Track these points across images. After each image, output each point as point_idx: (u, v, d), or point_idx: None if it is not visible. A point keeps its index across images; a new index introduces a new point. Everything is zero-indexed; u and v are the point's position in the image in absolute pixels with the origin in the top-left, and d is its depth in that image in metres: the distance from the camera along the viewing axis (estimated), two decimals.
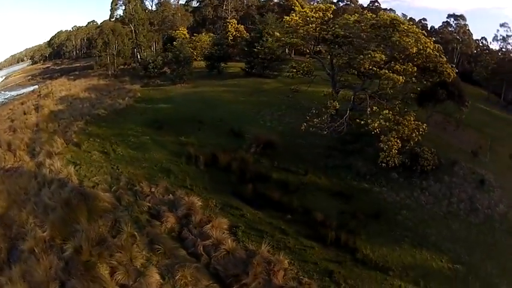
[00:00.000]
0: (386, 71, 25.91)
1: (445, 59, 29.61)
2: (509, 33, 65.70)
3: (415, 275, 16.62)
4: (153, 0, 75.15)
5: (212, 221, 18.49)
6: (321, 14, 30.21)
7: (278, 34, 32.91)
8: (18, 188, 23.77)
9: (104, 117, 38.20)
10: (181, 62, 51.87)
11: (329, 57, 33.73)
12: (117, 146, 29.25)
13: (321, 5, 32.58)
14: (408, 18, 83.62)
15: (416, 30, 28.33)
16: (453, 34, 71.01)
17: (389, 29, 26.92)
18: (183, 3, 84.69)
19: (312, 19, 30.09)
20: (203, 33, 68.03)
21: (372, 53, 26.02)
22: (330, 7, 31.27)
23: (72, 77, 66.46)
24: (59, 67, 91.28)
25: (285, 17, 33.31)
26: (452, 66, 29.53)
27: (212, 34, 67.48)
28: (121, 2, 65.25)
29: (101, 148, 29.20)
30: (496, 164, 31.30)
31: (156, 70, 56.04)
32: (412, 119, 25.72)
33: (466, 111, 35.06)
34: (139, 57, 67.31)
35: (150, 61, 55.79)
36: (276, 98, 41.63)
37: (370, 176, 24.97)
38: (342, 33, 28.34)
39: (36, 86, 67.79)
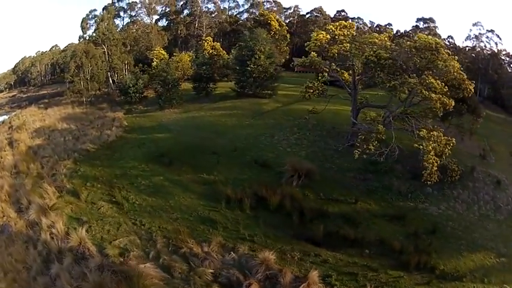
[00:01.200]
0: (441, 96, 24.70)
1: (465, 76, 28.28)
2: (482, 32, 67.38)
3: (479, 276, 17.88)
4: (124, 19, 68.82)
5: (307, 277, 15.48)
6: (346, 32, 28.78)
7: (314, 54, 29.42)
8: (13, 260, 17.49)
9: (95, 153, 31.70)
10: (169, 84, 46.28)
11: (349, 76, 31.81)
12: (128, 192, 23.35)
13: (343, 22, 30.26)
14: (376, 25, 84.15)
15: (443, 51, 27.07)
16: None
17: (434, 52, 25.59)
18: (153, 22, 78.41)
19: (340, 37, 28.44)
20: (182, 53, 62.73)
21: (427, 78, 24.84)
22: (352, 24, 30.03)
23: (42, 106, 57.41)
24: (25, 95, 79.83)
25: (313, 33, 30.17)
26: (472, 83, 28.26)
27: (191, 53, 62.25)
28: (91, 22, 58.56)
29: (107, 196, 23.05)
30: (500, 163, 32.88)
31: (137, 95, 49.78)
32: (442, 134, 24.89)
33: (480, 122, 35.85)
34: (111, 81, 60.26)
35: (131, 85, 49.50)
36: (283, 120, 37.96)
37: (411, 194, 24.55)
38: (386, 55, 26.02)
39: (6, 117, 58.00)
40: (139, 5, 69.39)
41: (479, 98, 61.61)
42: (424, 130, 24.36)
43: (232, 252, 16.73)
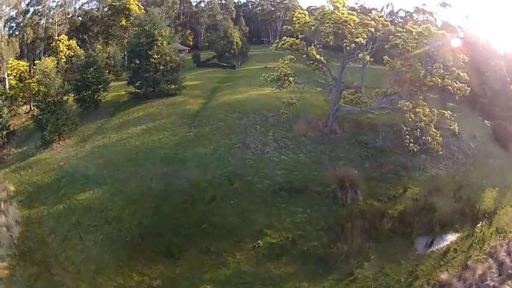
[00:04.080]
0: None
1: None
2: None
3: (499, 204, 21.61)
4: None
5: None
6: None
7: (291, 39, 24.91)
8: None
9: (16, 272, 15.56)
10: (52, 105, 27.46)
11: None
12: None
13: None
14: None
15: None
16: None
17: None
18: None
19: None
20: (44, 59, 40.63)
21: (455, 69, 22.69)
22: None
23: None
24: None
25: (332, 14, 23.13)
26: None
27: (53, 58, 41.11)
28: None
29: None
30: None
31: (4, 132, 27.96)
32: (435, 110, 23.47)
33: None
34: None
35: None
36: (232, 120, 27.46)
37: (421, 165, 23.97)
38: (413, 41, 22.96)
39: None
40: None
41: None
42: (422, 107, 22.45)
43: None
